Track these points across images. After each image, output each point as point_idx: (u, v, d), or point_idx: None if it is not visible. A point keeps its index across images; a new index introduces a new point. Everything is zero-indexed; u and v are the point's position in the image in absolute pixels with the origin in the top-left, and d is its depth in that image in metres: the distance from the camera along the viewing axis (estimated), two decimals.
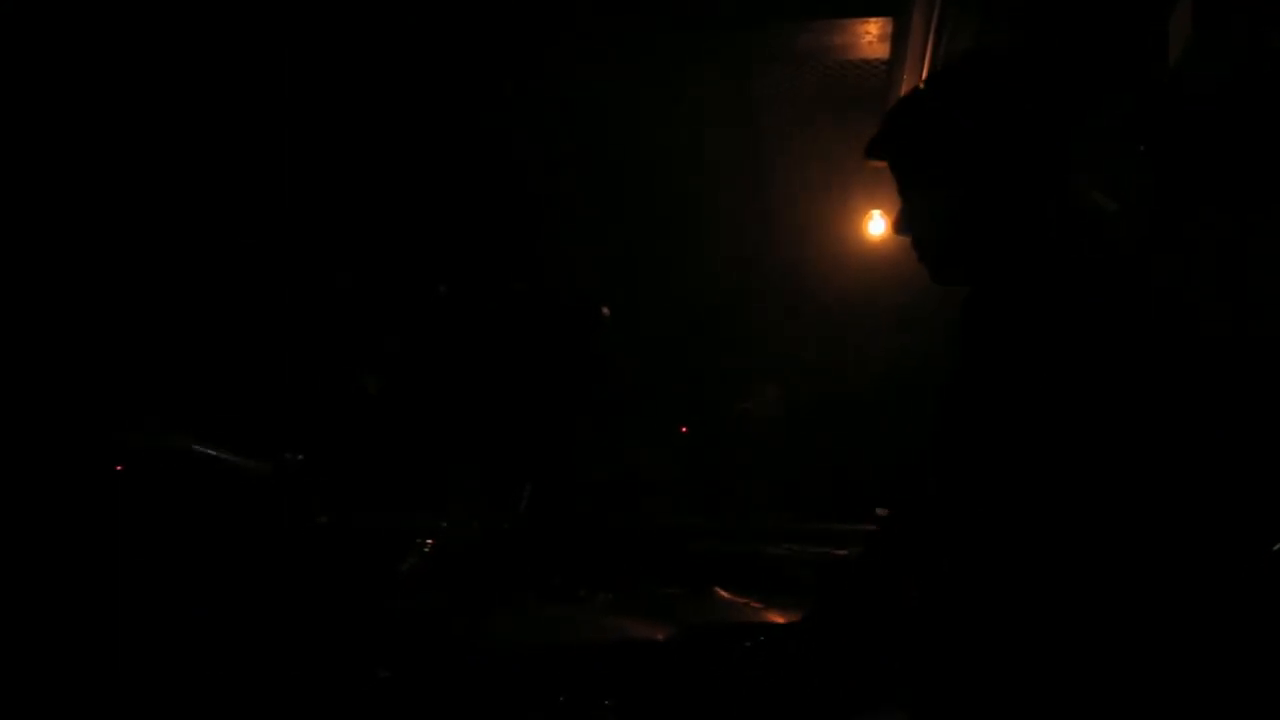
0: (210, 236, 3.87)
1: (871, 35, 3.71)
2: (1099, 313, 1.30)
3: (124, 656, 2.37)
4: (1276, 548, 1.24)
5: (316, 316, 3.61)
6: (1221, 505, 1.24)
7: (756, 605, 2.30)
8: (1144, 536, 1.23)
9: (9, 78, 3.26)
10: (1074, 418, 1.28)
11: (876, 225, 4.93)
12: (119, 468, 2.64)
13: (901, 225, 1.56)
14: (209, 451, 2.39)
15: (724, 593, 2.37)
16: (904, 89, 3.80)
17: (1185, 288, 1.35)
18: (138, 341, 3.48)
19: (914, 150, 1.51)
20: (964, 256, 1.49)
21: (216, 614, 2.38)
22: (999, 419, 1.37)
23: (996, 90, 1.44)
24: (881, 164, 1.56)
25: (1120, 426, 1.25)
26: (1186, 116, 2.01)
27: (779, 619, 2.23)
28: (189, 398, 3.33)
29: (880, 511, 4.03)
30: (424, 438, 3.68)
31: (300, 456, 2.42)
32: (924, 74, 3.58)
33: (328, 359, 3.47)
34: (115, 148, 3.62)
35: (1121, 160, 2.05)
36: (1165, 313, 1.31)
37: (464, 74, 4.08)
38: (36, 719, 2.29)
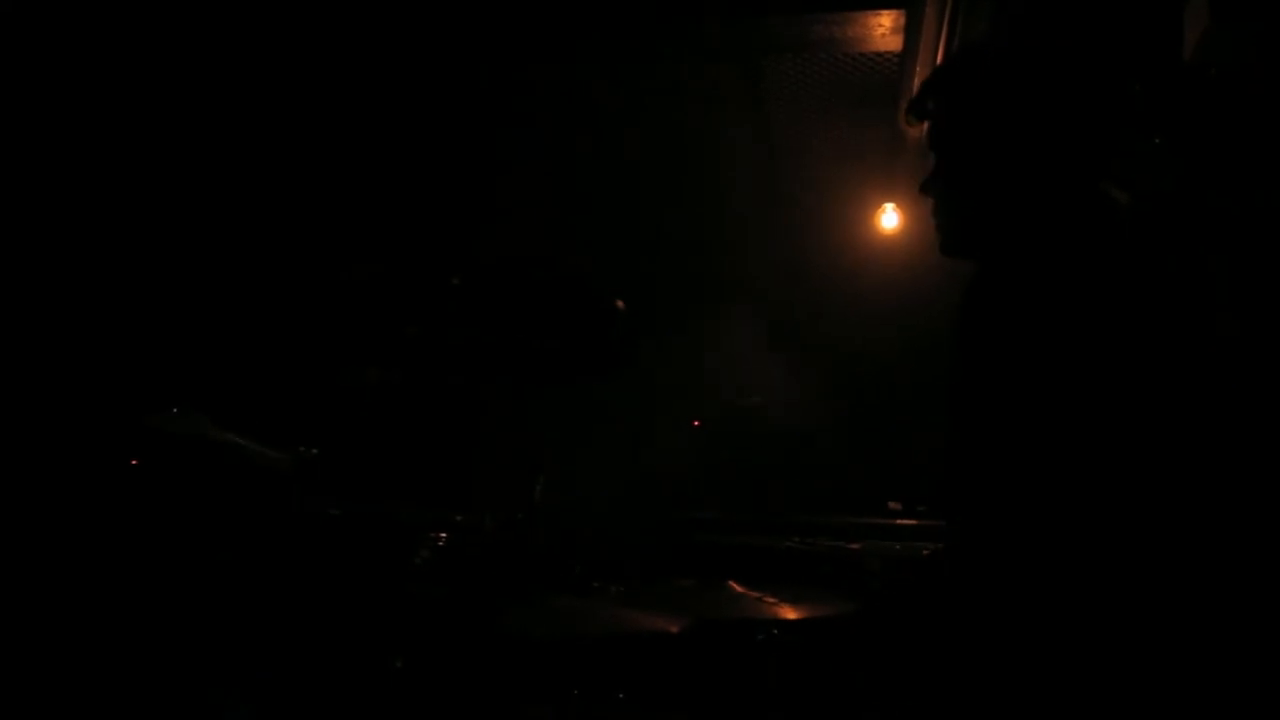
0: (225, 229, 3.88)
1: (885, 27, 3.69)
2: (1104, 303, 1.30)
3: (137, 644, 2.39)
4: None
5: (331, 308, 3.63)
6: (1225, 500, 1.24)
7: (770, 599, 2.30)
8: (1145, 531, 1.23)
9: (27, 75, 3.28)
10: (1076, 408, 1.27)
11: (890, 218, 4.92)
12: (134, 461, 2.65)
13: (930, 186, 1.57)
14: (226, 440, 2.40)
15: (737, 586, 2.37)
16: (917, 82, 3.78)
17: (1199, 281, 1.34)
18: (157, 332, 3.50)
19: (958, 115, 1.51)
20: (980, 232, 1.50)
21: (231, 604, 2.39)
22: (1000, 409, 1.37)
23: (1045, 64, 1.44)
24: (917, 129, 1.58)
25: (1123, 419, 1.25)
26: (1202, 109, 2.00)
27: (792, 613, 2.23)
28: (207, 389, 3.35)
29: (892, 505, 4.03)
30: (437, 431, 3.69)
31: (314, 450, 2.43)
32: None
33: (342, 352, 3.49)
34: (126, 144, 3.64)
35: (1136, 152, 2.04)
36: (1176, 305, 1.31)
37: (474, 65, 4.08)
38: (51, 702, 2.31)
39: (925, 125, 1.59)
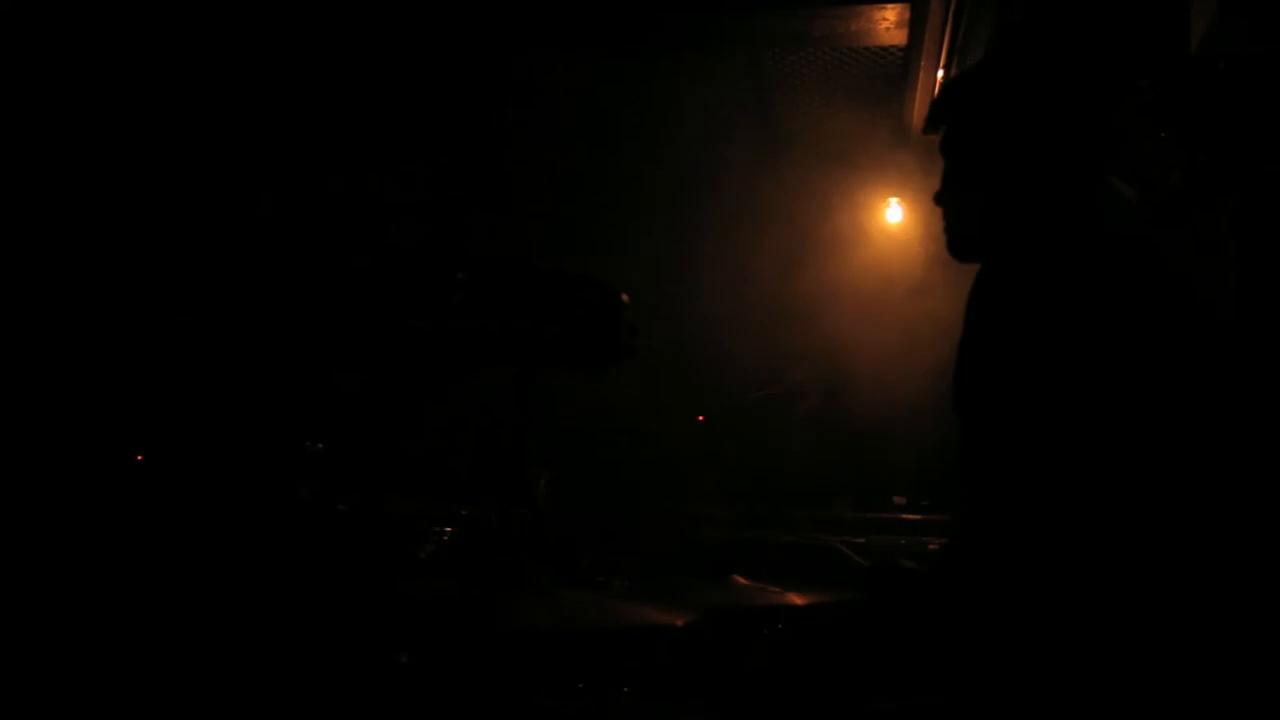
0: (229, 225, 3.89)
1: (889, 21, 3.69)
2: (1105, 297, 1.30)
3: (137, 643, 2.39)
4: None
5: (336, 304, 3.63)
6: (1224, 494, 1.24)
7: (774, 592, 2.31)
8: (1146, 525, 1.23)
9: (23, 75, 3.28)
10: (1079, 405, 1.28)
11: (894, 213, 4.92)
12: (140, 457, 2.66)
13: (942, 196, 1.59)
14: (232, 438, 2.40)
15: (742, 579, 2.38)
16: (921, 76, 3.78)
17: (1203, 275, 1.34)
18: (162, 329, 3.51)
19: (967, 125, 1.54)
20: (987, 234, 1.51)
21: (238, 600, 2.40)
22: (1005, 406, 1.37)
23: (1045, 74, 1.46)
24: (934, 135, 1.60)
25: (1125, 412, 1.25)
26: (1209, 102, 2.00)
27: (796, 606, 2.24)
28: (211, 386, 3.35)
29: (897, 499, 4.03)
30: (443, 425, 3.69)
31: (321, 445, 2.43)
32: (942, 61, 3.56)
33: (348, 347, 3.49)
34: (129, 143, 3.64)
35: (1142, 147, 2.03)
36: (1179, 300, 1.31)
37: (474, 62, 4.08)
38: (51, 702, 2.32)
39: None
